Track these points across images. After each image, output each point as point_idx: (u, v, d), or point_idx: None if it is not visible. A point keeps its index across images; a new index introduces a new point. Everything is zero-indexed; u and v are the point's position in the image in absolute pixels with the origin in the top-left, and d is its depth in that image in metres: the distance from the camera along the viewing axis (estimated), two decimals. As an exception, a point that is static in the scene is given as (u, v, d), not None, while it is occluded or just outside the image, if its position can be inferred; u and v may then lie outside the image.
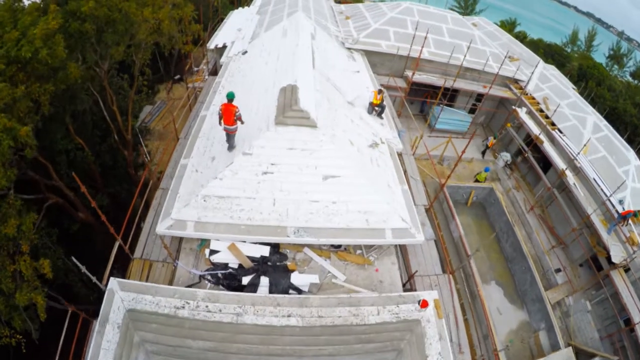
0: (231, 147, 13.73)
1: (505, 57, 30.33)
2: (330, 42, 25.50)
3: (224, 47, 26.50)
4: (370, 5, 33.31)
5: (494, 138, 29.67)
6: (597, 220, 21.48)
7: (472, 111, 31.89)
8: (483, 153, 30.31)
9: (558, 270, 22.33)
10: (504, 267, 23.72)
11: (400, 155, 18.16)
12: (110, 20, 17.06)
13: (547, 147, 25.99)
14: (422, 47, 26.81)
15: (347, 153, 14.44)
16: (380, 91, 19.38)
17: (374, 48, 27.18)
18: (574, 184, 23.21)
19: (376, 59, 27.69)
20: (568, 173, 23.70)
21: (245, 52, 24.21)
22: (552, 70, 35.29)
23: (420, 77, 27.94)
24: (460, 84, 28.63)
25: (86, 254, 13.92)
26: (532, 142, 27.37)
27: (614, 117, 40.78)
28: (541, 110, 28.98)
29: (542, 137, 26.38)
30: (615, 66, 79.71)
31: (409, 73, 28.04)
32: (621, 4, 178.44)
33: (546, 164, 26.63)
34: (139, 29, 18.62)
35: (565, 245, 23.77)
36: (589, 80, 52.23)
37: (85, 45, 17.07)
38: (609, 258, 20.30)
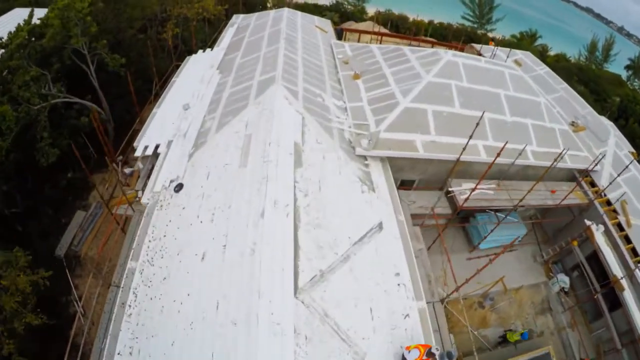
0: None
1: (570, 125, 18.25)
2: (329, 154, 13.20)
3: (158, 151, 14.31)
4: (391, 52, 20.02)
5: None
6: None
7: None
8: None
9: None
10: None
11: None
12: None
13: (628, 297, 14.86)
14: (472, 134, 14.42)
15: None
16: (431, 354, 7.53)
17: (405, 153, 14.80)
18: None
19: (404, 162, 15.29)
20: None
21: (180, 186, 12.01)
22: (620, 139, 22.64)
23: (476, 199, 15.55)
24: (527, 198, 16.28)
25: None
26: (605, 278, 15.75)
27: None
28: (620, 227, 16.93)
29: (624, 281, 14.69)
30: (636, 80, 67.32)
31: (457, 194, 15.65)
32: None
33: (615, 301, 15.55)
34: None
35: None
36: (630, 117, 40.88)
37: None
38: None
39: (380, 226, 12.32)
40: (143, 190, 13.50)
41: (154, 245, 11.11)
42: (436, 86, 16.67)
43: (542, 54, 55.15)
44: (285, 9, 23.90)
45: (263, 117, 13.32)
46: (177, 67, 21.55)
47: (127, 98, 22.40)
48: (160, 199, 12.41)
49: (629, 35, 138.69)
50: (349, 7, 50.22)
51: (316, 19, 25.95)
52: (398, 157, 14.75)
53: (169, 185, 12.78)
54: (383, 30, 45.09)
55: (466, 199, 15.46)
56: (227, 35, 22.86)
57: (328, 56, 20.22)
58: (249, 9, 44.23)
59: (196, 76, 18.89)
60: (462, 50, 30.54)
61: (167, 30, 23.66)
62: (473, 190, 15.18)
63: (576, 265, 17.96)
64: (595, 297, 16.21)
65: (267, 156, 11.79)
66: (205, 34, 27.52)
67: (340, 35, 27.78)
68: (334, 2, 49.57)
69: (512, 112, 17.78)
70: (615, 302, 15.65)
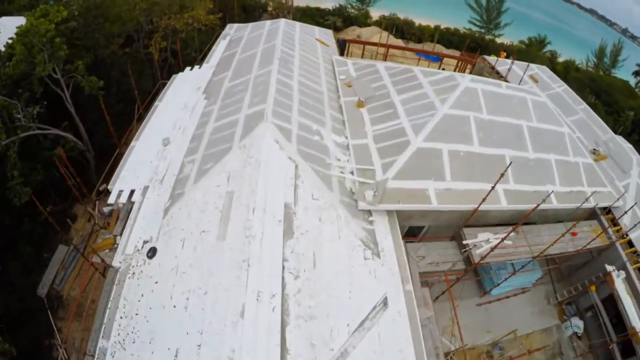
0: None
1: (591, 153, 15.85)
2: (327, 213, 10.67)
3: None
4: (400, 73, 17.18)
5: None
6: None
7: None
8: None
9: None
10: None
11: None
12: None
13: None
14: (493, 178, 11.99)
15: None
16: None
17: (416, 206, 12.21)
18: None
19: (414, 211, 12.76)
20: None
21: (153, 252, 9.64)
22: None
23: (493, 254, 13.04)
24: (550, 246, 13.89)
25: None
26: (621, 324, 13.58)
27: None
28: (642, 272, 14.92)
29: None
30: (645, 86, 64.61)
31: (472, 248, 13.16)
32: (624, 2, 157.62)
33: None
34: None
35: None
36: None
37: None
38: None
39: (384, 302, 9.84)
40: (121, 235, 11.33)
41: (126, 324, 9.00)
42: (453, 120, 14.05)
43: (551, 61, 52.32)
44: (282, 21, 21.24)
45: (248, 168, 10.77)
46: (164, 85, 18.98)
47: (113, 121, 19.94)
48: (133, 264, 10.11)
49: (633, 38, 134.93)
50: (353, 11, 47.30)
51: (317, 31, 23.26)
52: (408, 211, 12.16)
53: (142, 247, 10.46)
54: (391, 39, 42.24)
55: (483, 258, 13.01)
56: (218, 50, 20.24)
57: (329, 76, 17.58)
58: (248, 12, 41.53)
59: (180, 101, 16.35)
60: (474, 62, 27.83)
61: (153, 43, 20.99)
62: (492, 248, 12.66)
63: (591, 306, 15.97)
64: (610, 347, 14.26)
65: (250, 227, 9.30)
66: (196, 46, 24.85)
67: (343, 47, 25.10)
68: (337, 6, 46.66)
69: (535, 147, 15.21)
70: (630, 350, 13.86)
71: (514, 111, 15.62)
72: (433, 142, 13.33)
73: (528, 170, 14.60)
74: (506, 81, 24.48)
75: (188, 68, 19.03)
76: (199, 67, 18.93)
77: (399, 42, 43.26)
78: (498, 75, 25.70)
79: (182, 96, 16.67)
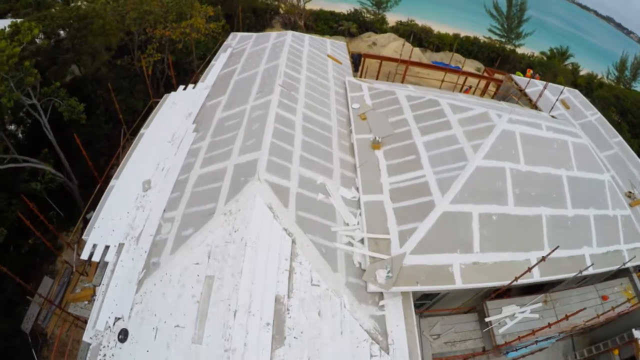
0: None
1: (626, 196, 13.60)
2: (329, 303, 8.06)
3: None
4: (423, 106, 13.91)
5: None
6: None
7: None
8: None
9: None
10: None
11: None
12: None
13: None
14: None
15: None
16: None
17: (437, 287, 9.54)
18: None
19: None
20: None
21: (125, 335, 7.10)
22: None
23: (518, 333, 10.47)
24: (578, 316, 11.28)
25: None
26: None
27: None
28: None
29: None
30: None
31: (496, 326, 10.54)
32: (639, 9, 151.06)
33: None
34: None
35: None
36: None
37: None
38: None
39: None
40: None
41: None
42: (486, 174, 11.20)
43: (573, 74, 48.82)
44: (289, 34, 18.41)
45: (232, 247, 8.18)
46: (157, 103, 16.36)
47: (95, 145, 17.45)
48: (104, 343, 7.86)
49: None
50: (368, 15, 44.13)
51: (328, 45, 20.38)
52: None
53: (114, 325, 8.26)
54: (408, 48, 38.94)
55: (508, 343, 10.34)
56: (217, 65, 17.51)
57: (340, 104, 14.77)
58: (258, 15, 38.60)
59: (168, 129, 13.75)
60: (499, 82, 24.76)
61: (146, 56, 18.34)
62: (520, 337, 9.91)
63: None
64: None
65: (229, 338, 6.86)
66: (199, 53, 22.13)
67: (358, 62, 22.20)
68: (352, 10, 43.51)
69: (574, 201, 12.38)
70: None
71: (554, 158, 12.75)
72: (462, 204, 10.52)
73: (565, 231, 11.82)
74: (536, 107, 21.60)
75: (181, 87, 16.32)
76: (194, 87, 16.22)
77: (417, 52, 40.10)
78: (526, 98, 22.67)
79: (171, 124, 14.05)
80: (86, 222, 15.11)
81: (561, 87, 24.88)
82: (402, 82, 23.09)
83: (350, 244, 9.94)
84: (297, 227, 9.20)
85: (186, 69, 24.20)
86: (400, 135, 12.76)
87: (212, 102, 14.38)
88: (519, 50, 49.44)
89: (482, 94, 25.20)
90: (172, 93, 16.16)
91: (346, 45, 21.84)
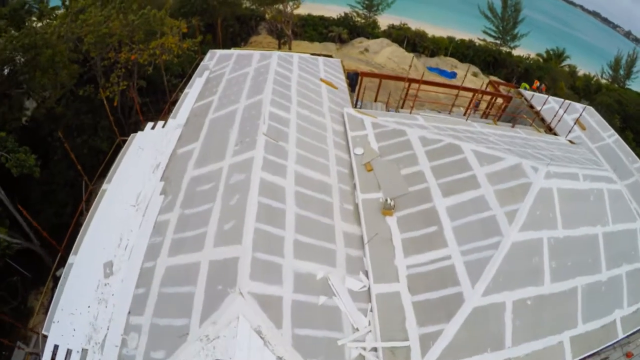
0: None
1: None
2: None
3: None
4: (441, 153, 10.84)
5: None
6: None
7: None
8: None
9: None
10: None
11: None
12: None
13: None
14: None
15: None
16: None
17: None
18: None
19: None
20: None
21: None
22: None
23: None
24: None
25: None
26: None
27: None
28: None
29: None
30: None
31: None
32: (624, 3, 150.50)
33: None
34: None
35: None
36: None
37: None
38: None
39: None
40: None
41: None
42: (523, 250, 8.90)
43: (571, 75, 46.82)
44: (274, 56, 15.69)
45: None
46: (124, 142, 13.62)
47: (57, 196, 14.72)
48: None
49: (636, 40, 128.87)
50: (359, 19, 41.40)
51: (321, 65, 17.68)
52: None
53: None
54: (402, 54, 36.28)
55: None
56: (192, 94, 14.77)
57: (339, 148, 12.12)
58: (242, 22, 35.65)
59: (132, 188, 11.05)
60: (508, 98, 22.31)
61: (110, 85, 15.52)
62: None
63: None
64: None
65: None
66: (166, 81, 19.25)
67: (355, 82, 19.58)
68: (342, 14, 40.72)
69: (608, 262, 10.36)
70: None
71: (590, 215, 10.60)
72: (495, 294, 8.18)
73: (599, 299, 9.85)
74: (550, 129, 19.33)
75: (149, 125, 13.55)
76: (164, 125, 13.48)
77: (410, 57, 37.54)
78: (538, 117, 20.30)
79: (136, 179, 11.36)
80: (56, 280, 12.62)
81: (577, 105, 22.58)
82: (404, 99, 20.47)
83: (361, 357, 7.48)
84: (295, 353, 6.69)
85: (163, 89, 21.35)
86: (417, 195, 10.21)
87: (184, 150, 11.66)
88: (515, 52, 47.30)
89: (490, 107, 22.74)
90: (139, 134, 13.39)
91: (341, 63, 19.16)
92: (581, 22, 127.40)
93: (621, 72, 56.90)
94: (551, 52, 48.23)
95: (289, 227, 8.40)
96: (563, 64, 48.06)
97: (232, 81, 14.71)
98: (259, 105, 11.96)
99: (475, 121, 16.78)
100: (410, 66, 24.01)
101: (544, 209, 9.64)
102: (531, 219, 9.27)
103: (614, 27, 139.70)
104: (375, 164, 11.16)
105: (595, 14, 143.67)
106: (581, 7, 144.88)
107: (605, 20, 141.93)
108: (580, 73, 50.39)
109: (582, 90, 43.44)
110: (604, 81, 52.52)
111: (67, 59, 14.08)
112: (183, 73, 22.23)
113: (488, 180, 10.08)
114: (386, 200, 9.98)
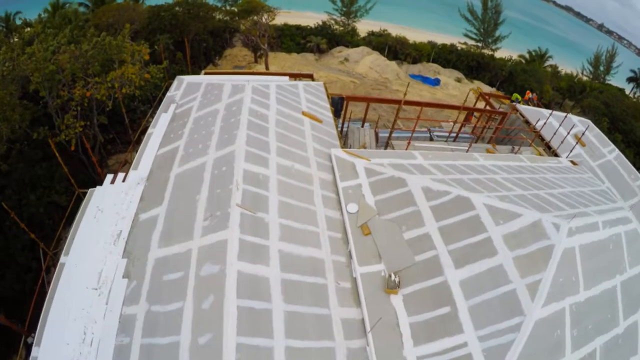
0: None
1: None
2: None
3: None
4: (449, 208, 9.36)
5: None
6: None
7: None
8: None
9: None
10: None
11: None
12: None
13: None
14: None
15: None
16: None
17: None
18: None
19: None
20: None
21: None
22: None
23: None
24: None
25: None
26: None
27: None
28: None
29: None
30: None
31: None
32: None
33: None
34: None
35: None
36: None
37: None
38: None
39: None
40: None
41: None
42: (546, 327, 7.67)
43: (555, 76, 46.35)
44: (248, 90, 13.92)
45: None
46: (84, 195, 11.74)
47: (17, 258, 12.80)
48: None
49: (609, 32, 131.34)
50: (337, 27, 39.88)
51: (301, 92, 16.05)
52: None
53: None
54: (384, 61, 34.67)
55: None
56: (155, 136, 12.95)
57: (329, 204, 10.47)
58: (216, 36, 33.71)
59: (92, 265, 9.26)
60: (504, 114, 21.10)
61: (65, 127, 13.58)
62: None
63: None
64: None
65: None
66: (145, 96, 17.38)
67: (340, 107, 18.04)
68: (320, 23, 39.11)
69: (625, 310, 9.29)
70: None
71: (609, 266, 9.50)
72: None
73: (616, 353, 8.71)
74: (549, 147, 18.27)
75: (109, 179, 11.71)
76: (124, 178, 11.67)
77: (394, 66, 36.29)
78: (535, 133, 19.16)
79: (95, 252, 9.55)
80: (28, 347, 10.80)
81: (574, 117, 21.51)
82: (395, 120, 18.91)
83: None
84: None
85: (130, 118, 19.39)
86: (425, 266, 8.71)
87: (147, 217, 9.89)
88: (497, 54, 46.65)
89: (485, 128, 21.52)
90: (98, 190, 11.50)
91: (324, 87, 17.55)
92: (555, 17, 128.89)
93: (601, 68, 57.20)
94: (533, 53, 47.69)
95: (277, 333, 6.77)
96: (546, 64, 47.57)
97: (200, 121, 12.95)
98: (230, 159, 10.26)
99: (475, 149, 15.44)
100: (405, 86, 22.63)
101: (567, 273, 8.40)
102: (554, 288, 8.01)
103: (587, 20, 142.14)
104: (373, 226, 9.61)
105: (567, 9, 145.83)
106: (553, 2, 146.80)
107: (578, 15, 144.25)
108: (563, 72, 50.14)
109: (566, 90, 42.96)
110: (585, 78, 52.45)
111: (9, 104, 12.10)
112: (153, 97, 20.34)
113: (505, 244, 8.67)
114: (389, 276, 8.45)
